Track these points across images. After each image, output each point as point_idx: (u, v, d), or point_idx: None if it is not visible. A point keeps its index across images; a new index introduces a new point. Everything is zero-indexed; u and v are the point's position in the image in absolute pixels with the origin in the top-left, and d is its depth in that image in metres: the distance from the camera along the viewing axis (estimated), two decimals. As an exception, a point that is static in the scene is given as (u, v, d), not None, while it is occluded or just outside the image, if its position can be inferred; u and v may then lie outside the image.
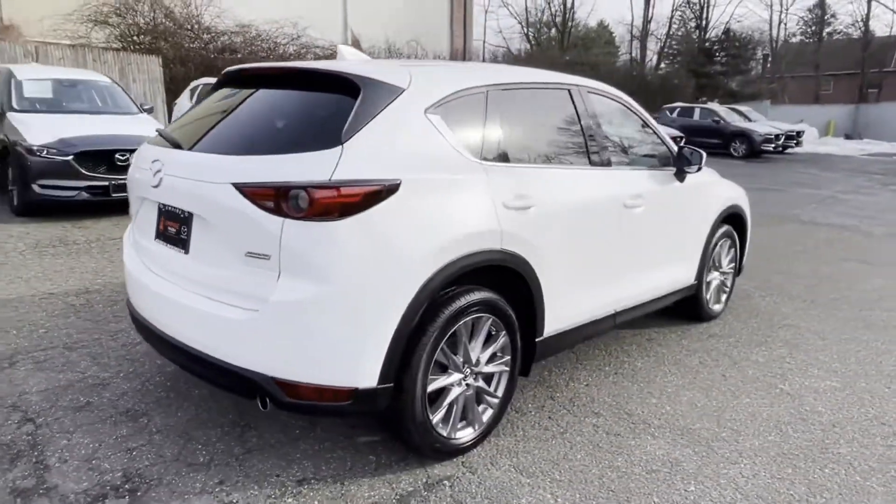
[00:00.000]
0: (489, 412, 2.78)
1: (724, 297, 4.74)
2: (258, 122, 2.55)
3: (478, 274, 2.60)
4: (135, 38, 12.67)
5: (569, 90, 3.25)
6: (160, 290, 2.56)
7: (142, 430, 2.80)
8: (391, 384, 2.33)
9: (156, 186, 2.52)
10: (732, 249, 4.70)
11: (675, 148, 3.87)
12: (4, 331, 3.85)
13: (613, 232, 3.32)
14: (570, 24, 42.16)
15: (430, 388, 2.48)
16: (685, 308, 4.46)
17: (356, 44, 19.31)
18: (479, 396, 2.74)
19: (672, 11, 40.78)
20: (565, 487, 2.51)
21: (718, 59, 37.34)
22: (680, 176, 3.84)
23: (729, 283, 4.77)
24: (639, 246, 3.58)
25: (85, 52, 11.59)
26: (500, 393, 2.82)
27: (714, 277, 4.56)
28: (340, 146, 2.22)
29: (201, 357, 2.38)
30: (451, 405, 2.60)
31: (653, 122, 3.88)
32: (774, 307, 4.98)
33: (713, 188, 4.32)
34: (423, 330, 2.38)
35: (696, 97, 30.78)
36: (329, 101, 2.44)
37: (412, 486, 2.47)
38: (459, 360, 2.60)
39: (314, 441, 2.76)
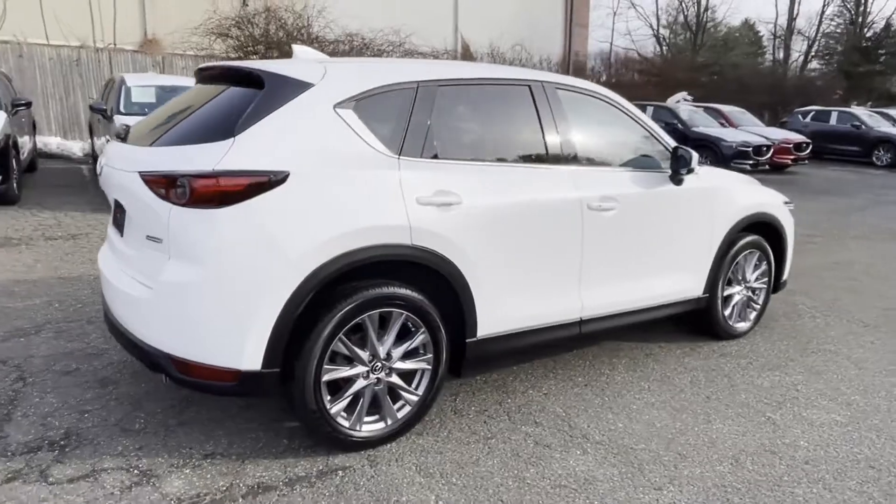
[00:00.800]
0: (406, 409, 2.77)
1: (752, 314, 4.30)
2: (185, 115, 2.73)
3: (390, 268, 2.61)
4: (250, 48, 13.81)
5: (529, 86, 3.14)
6: (105, 270, 2.84)
7: (103, 396, 3.10)
8: (277, 369, 2.40)
9: (99, 175, 2.80)
10: (764, 263, 4.25)
11: (672, 149, 3.58)
12: (49, 303, 4.40)
13: (573, 235, 3.15)
14: (705, 24, 39.72)
15: (328, 377, 2.52)
16: (700, 323, 4.12)
17: (466, 49, 19.59)
18: (393, 392, 2.73)
19: (823, 7, 36.96)
20: (455, 492, 2.44)
21: (877, 57, 33.44)
22: (676, 179, 3.55)
23: (760, 300, 4.32)
24: (614, 251, 3.37)
25: (205, 62, 12.83)
26: (420, 391, 2.79)
27: (736, 292, 4.15)
28: (233, 138, 2.34)
29: (124, 332, 2.60)
30: (355, 397, 2.62)
31: (648, 122, 3.63)
32: (820, 329, 4.44)
33: (728, 193, 3.94)
34: (315, 320, 2.43)
35: (844, 99, 27.81)
36: (239, 95, 2.58)
37: (305, 472, 2.52)
38: (366, 353, 2.61)
39: (243, 421, 2.90)
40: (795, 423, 3.08)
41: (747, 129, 15.27)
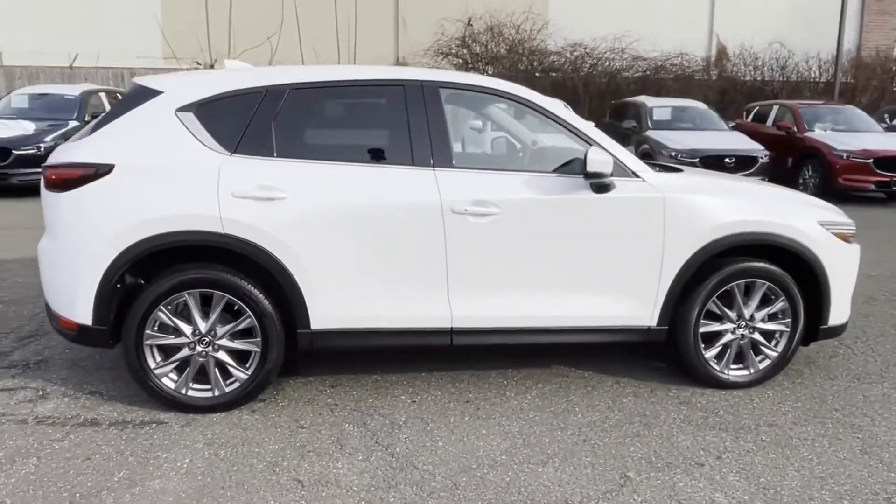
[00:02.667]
0: (236, 385, 3.03)
1: (763, 362, 3.40)
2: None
3: (216, 254, 2.93)
4: (472, 65, 14.77)
5: (404, 87, 3.10)
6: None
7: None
8: (106, 327, 2.92)
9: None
10: (782, 300, 3.32)
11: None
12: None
13: (432, 239, 3.01)
14: None
15: (151, 342, 2.94)
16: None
17: (722, 52, 17.80)
18: (224, 368, 3.02)
19: None
20: (220, 464, 2.65)
21: None
22: (595, 186, 3.08)
23: (779, 347, 3.39)
24: (497, 261, 3.10)
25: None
26: (250, 371, 3.03)
27: (726, 330, 3.35)
28: (88, 137, 2.94)
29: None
30: (183, 365, 2.99)
31: (573, 123, 3.20)
32: (868, 390, 3.29)
33: (696, 206, 3.20)
34: (137, 292, 2.90)
35: None
36: (122, 102, 3.17)
37: (130, 419, 2.99)
38: (190, 327, 2.96)
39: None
40: (661, 492, 2.48)
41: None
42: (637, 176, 3.19)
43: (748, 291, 3.33)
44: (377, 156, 3.10)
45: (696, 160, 9.21)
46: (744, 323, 3.35)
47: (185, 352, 2.99)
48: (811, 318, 3.40)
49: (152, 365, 2.97)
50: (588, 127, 3.24)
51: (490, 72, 14.38)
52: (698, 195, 3.25)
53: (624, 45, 14.89)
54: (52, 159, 3.01)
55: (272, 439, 2.83)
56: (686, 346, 3.31)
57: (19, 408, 3.08)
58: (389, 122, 3.11)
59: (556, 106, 3.28)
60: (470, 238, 3.05)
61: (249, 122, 2.98)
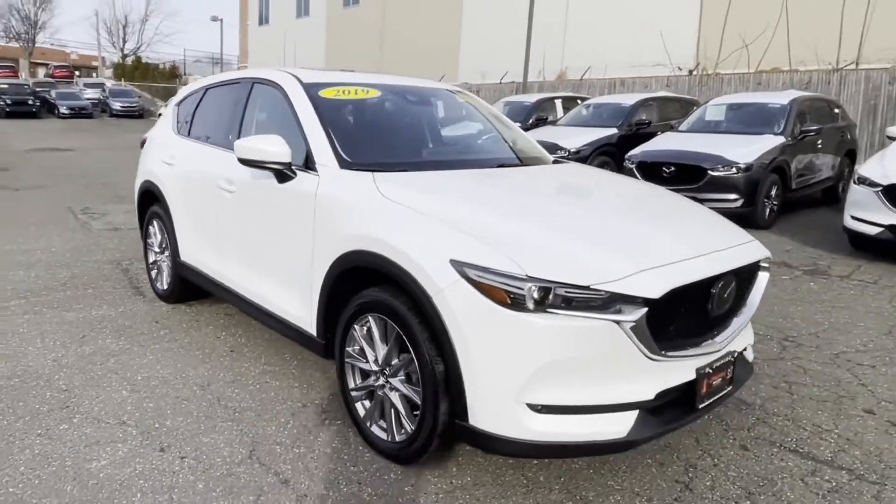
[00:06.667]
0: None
1: (401, 435, 2.57)
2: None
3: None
4: None
5: (252, 83, 3.74)
6: None
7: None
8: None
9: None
10: (407, 354, 2.44)
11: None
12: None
13: (216, 206, 3.69)
14: None
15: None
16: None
17: None
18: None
19: None
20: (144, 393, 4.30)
21: None
22: (275, 175, 3.08)
23: (414, 425, 2.48)
24: (238, 235, 3.52)
25: None
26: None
27: (371, 372, 2.69)
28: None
29: None
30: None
31: (301, 114, 3.17)
32: None
33: (345, 209, 2.68)
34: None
35: None
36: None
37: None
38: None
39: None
40: None
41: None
42: (313, 170, 2.96)
43: (385, 330, 2.57)
44: (224, 137, 3.82)
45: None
46: (382, 371, 2.61)
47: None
48: (455, 401, 2.32)
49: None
50: (308, 119, 3.13)
51: None
52: (345, 195, 2.74)
53: None
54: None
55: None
56: (344, 377, 2.85)
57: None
58: (235, 112, 3.82)
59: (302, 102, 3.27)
60: (225, 209, 3.60)
61: (191, 113, 4.35)
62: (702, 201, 7.69)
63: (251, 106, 3.70)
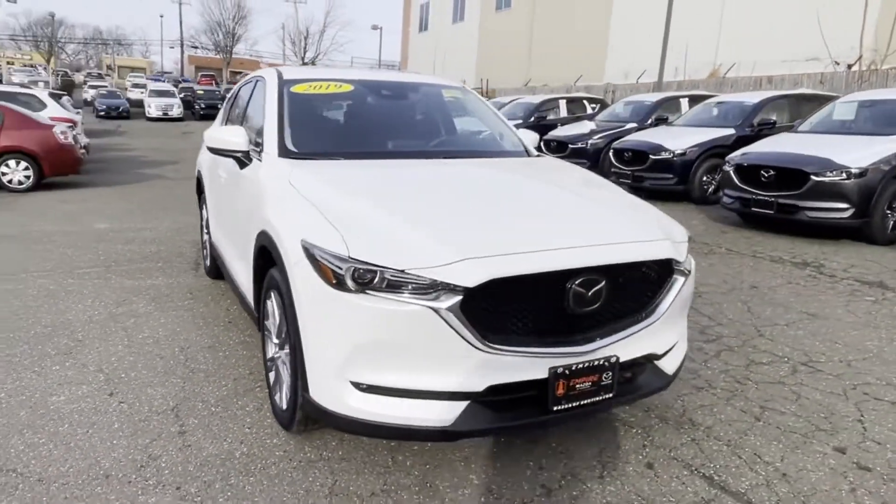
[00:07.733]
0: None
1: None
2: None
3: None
4: None
5: (256, 80, 4.14)
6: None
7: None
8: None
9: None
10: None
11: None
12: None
13: (217, 191, 4.16)
14: None
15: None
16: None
17: None
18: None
19: None
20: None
21: None
22: (238, 161, 3.43)
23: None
24: (226, 217, 3.94)
25: None
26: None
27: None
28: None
29: None
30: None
31: (269, 105, 3.47)
32: None
33: (261, 194, 2.93)
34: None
35: None
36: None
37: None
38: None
39: None
40: None
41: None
42: (259, 159, 3.23)
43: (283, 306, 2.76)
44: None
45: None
46: (280, 345, 2.81)
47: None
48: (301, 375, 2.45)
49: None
50: (270, 111, 3.41)
51: None
52: (268, 181, 2.98)
53: None
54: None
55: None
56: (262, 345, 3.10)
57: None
58: (242, 106, 4.26)
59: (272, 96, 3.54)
60: (220, 193, 4.03)
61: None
62: (805, 211, 6.90)
63: (252, 100, 4.08)
